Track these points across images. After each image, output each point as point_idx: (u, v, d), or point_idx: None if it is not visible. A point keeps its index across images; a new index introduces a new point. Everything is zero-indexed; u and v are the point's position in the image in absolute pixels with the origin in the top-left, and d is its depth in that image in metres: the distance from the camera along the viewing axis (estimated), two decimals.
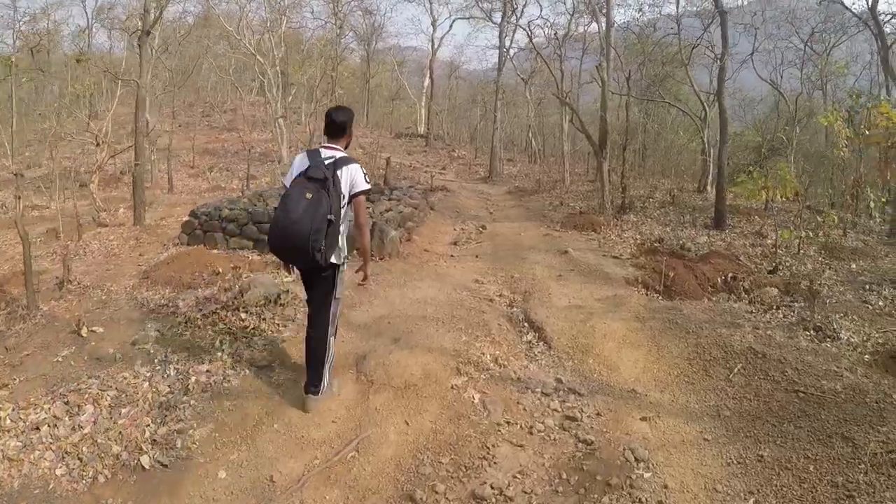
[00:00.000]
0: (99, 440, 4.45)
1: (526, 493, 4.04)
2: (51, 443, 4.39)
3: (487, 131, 31.45)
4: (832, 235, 11.25)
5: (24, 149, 23.20)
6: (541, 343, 6.44)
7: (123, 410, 4.82)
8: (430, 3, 40.45)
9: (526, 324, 6.92)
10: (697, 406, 5.14)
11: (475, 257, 10.22)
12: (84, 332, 6.29)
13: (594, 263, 9.57)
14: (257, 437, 4.60)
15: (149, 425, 4.66)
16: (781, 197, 9.88)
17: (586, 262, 9.60)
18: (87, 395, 4.95)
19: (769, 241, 11.13)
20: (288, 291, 7.05)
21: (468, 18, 36.62)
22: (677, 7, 22.24)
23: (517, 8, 27.59)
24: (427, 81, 41.81)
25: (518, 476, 4.20)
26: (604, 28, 16.75)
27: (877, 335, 6.47)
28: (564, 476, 4.21)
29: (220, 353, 5.73)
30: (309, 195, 4.37)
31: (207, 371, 5.44)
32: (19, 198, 11.28)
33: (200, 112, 40.40)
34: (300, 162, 4.71)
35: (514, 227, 13.31)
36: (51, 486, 4.04)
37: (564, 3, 38.43)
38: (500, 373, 5.59)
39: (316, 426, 4.71)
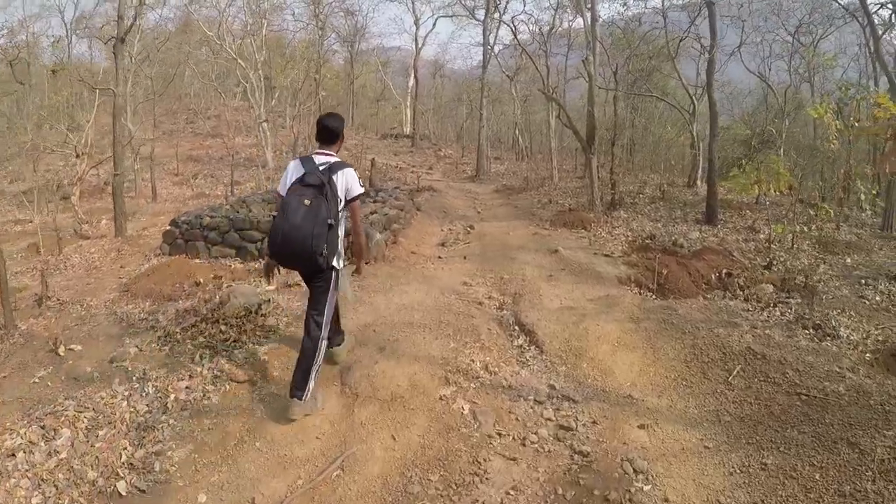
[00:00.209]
0: (75, 466, 4.27)
1: None
2: (27, 470, 4.20)
3: (474, 130, 31.28)
4: (825, 229, 11.13)
5: (7, 163, 22.96)
6: (532, 347, 6.23)
7: (100, 433, 4.65)
8: (413, 2, 40.49)
9: (516, 327, 6.71)
10: (697, 411, 4.94)
11: (463, 258, 10.01)
12: (62, 350, 6.13)
13: (585, 262, 9.37)
14: (238, 456, 4.41)
15: (125, 448, 4.49)
16: (775, 191, 9.74)
17: (577, 261, 9.41)
18: (63, 418, 4.76)
19: (762, 236, 11.02)
20: (269, 301, 6.86)
21: (451, 17, 36.66)
22: (662, 1, 22.13)
23: (500, 4, 27.45)
24: (412, 81, 41.70)
25: (511, 492, 3.99)
26: (589, 23, 16.57)
27: (876, 332, 6.33)
28: (560, 491, 4.00)
29: (199, 369, 5.55)
30: (307, 201, 4.42)
31: (187, 388, 5.27)
32: None
33: (184, 119, 40.20)
34: (294, 169, 4.73)
35: (502, 227, 13.11)
36: None
37: None
38: (490, 380, 5.38)
39: (299, 443, 4.53)
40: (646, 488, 3.98)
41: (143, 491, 4.12)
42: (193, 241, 10.04)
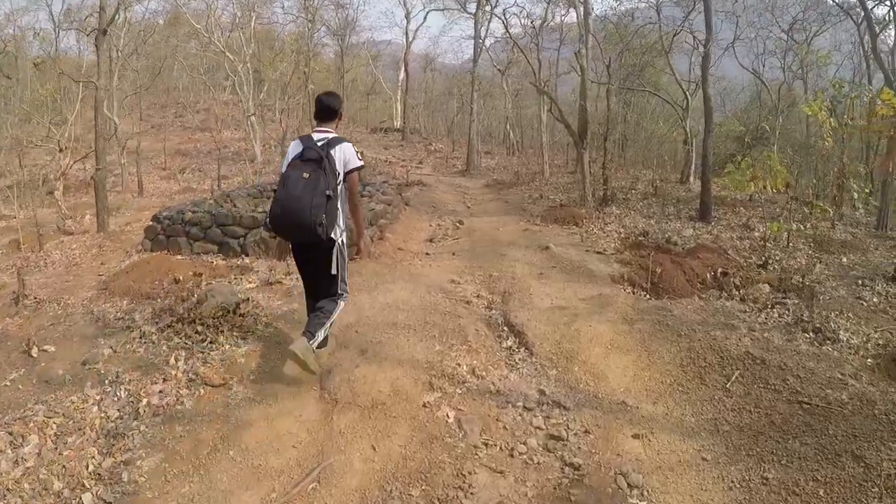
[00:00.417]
0: (41, 475, 4.05)
1: None
2: None
3: (464, 124, 31.12)
4: (820, 228, 10.96)
5: None
6: (522, 349, 5.97)
7: (69, 440, 4.44)
8: None
9: (505, 328, 6.45)
10: (694, 420, 4.69)
11: (452, 255, 9.77)
12: (34, 352, 5.91)
13: (577, 260, 9.13)
14: (211, 466, 4.17)
15: (93, 457, 4.26)
16: (772, 189, 9.56)
17: (569, 259, 9.17)
18: (32, 424, 4.54)
19: (757, 234, 10.87)
20: (248, 300, 6.60)
21: (442, 10, 36.52)
22: None
23: None
24: (402, 75, 41.62)
25: None
26: (582, 15, 16.38)
27: (876, 335, 6.14)
28: None
29: (174, 372, 5.31)
30: (306, 174, 4.61)
31: (160, 392, 5.04)
32: None
33: (173, 113, 39.92)
34: (294, 147, 4.94)
35: (492, 222, 12.89)
36: None
37: None
38: (477, 385, 5.13)
39: (275, 452, 4.28)
40: None
41: (110, 503, 3.88)
42: (175, 236, 9.81)
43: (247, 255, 9.27)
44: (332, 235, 4.81)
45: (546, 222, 12.58)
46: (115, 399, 4.95)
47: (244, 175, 20.27)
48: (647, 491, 3.86)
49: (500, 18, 26.91)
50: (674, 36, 20.95)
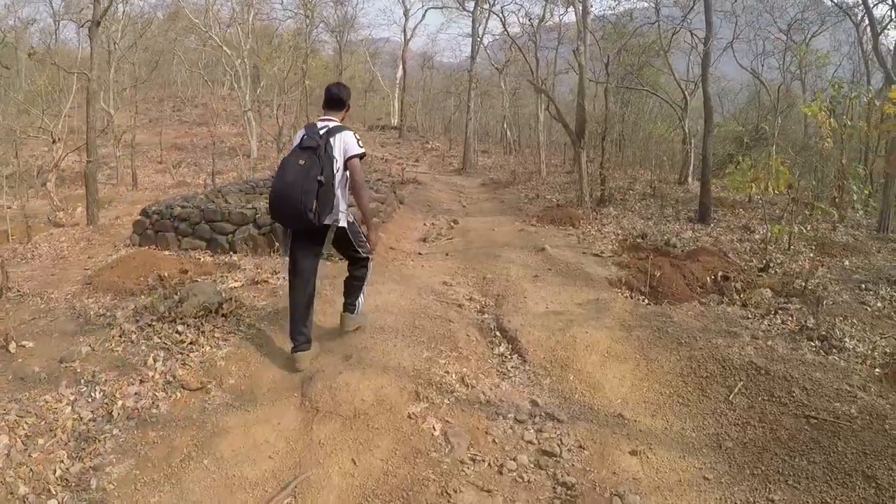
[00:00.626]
0: (8, 478, 3.84)
1: None
2: None
3: (462, 122, 31.18)
4: (821, 230, 10.76)
5: None
6: (514, 356, 5.73)
7: (40, 441, 4.24)
8: None
9: (498, 333, 6.22)
10: (695, 434, 4.44)
11: (445, 255, 9.56)
12: (12, 347, 5.67)
13: (573, 262, 8.90)
14: (183, 475, 3.96)
15: (62, 461, 4.06)
16: (774, 190, 9.36)
17: (565, 261, 8.94)
18: (3, 423, 4.33)
19: (757, 236, 10.65)
20: (232, 300, 6.37)
21: (441, 8, 36.45)
22: None
23: None
24: (400, 72, 41.78)
25: None
26: (580, 13, 16.16)
27: (882, 343, 5.88)
28: None
29: (152, 373, 5.09)
30: (301, 161, 4.77)
31: (136, 394, 4.83)
32: None
33: (171, 107, 39.94)
34: (299, 135, 5.12)
35: (487, 222, 12.70)
36: None
37: None
38: (466, 395, 4.89)
39: (251, 462, 4.06)
40: None
41: None
42: (164, 231, 9.66)
43: (235, 252, 9.12)
44: (327, 221, 4.93)
45: (542, 223, 12.40)
46: (90, 400, 4.77)
47: (238, 170, 20.13)
48: None
49: (498, 16, 26.99)
50: (673, 35, 20.78)
